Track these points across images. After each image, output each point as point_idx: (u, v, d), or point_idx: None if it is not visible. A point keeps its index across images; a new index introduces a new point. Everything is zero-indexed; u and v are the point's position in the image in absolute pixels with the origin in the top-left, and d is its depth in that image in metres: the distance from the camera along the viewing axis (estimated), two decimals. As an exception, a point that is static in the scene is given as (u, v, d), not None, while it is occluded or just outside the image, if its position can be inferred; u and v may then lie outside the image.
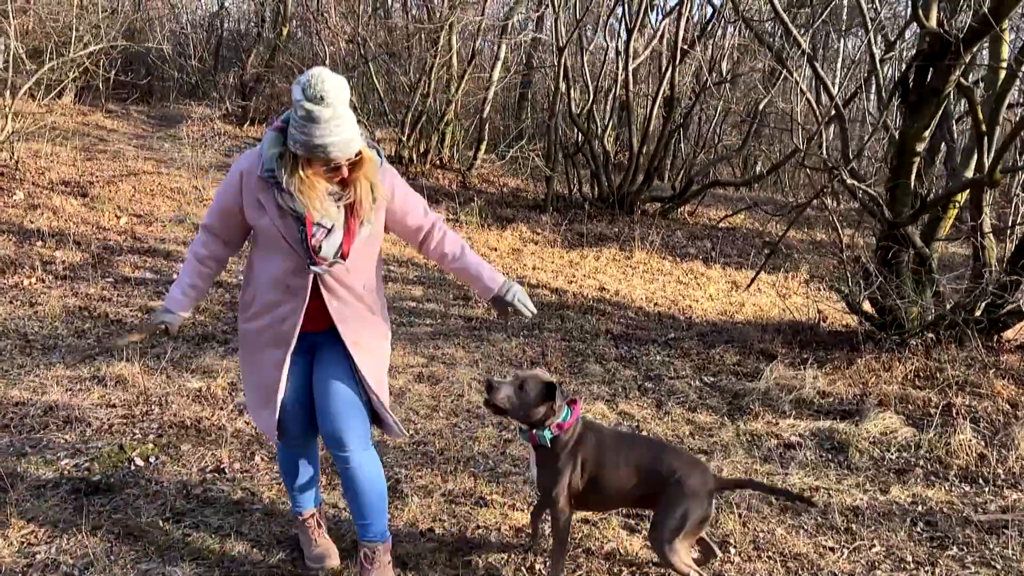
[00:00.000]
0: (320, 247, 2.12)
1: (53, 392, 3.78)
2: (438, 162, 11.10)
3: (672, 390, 4.36)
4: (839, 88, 7.03)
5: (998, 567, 2.62)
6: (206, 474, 3.03)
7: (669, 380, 4.53)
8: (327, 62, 11.14)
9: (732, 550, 2.67)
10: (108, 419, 3.50)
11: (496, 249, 7.89)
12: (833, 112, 5.46)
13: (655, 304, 6.47)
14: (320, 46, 12.01)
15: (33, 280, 5.52)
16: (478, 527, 2.77)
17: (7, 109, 7.94)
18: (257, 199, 2.10)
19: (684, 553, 2.24)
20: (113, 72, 10.82)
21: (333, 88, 1.93)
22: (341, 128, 1.96)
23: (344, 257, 2.14)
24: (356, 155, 2.06)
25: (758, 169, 10.69)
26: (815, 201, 5.63)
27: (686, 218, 10.34)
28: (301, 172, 2.03)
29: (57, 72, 9.31)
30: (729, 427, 3.77)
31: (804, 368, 4.54)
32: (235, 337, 4.78)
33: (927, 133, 4.62)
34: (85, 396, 3.75)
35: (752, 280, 6.43)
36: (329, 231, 2.11)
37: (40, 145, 9.03)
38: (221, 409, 3.67)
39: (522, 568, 2.52)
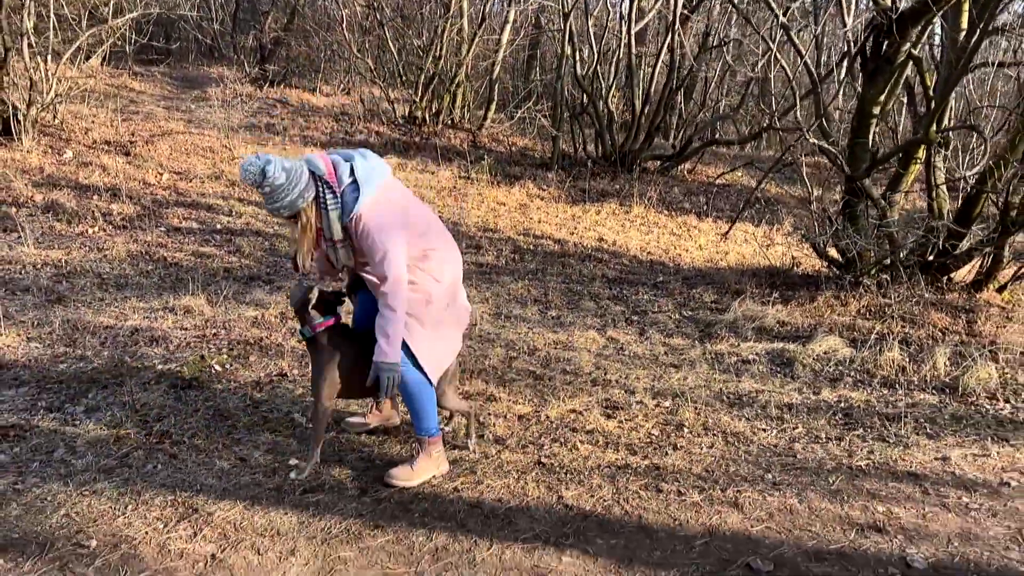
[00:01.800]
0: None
1: (133, 319, 4.55)
2: (449, 122, 11.72)
3: (654, 321, 5.09)
4: (835, 55, 7.58)
5: (891, 441, 3.37)
6: (272, 376, 3.81)
7: (652, 314, 5.26)
8: (344, 25, 11.71)
9: (686, 430, 3.43)
10: (185, 338, 4.28)
11: (504, 204, 8.58)
12: (807, 77, 6.08)
13: (648, 253, 7.17)
14: (336, 9, 12.55)
15: (96, 229, 6.28)
16: (490, 414, 3.54)
17: (52, 74, 8.62)
18: None
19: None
20: (144, 37, 11.43)
21: (256, 175, 2.56)
22: (272, 198, 2.61)
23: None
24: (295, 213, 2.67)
25: (757, 129, 11.23)
26: (795, 159, 6.26)
27: (685, 175, 10.96)
28: None
29: (96, 37, 9.95)
30: (698, 348, 4.51)
31: (770, 304, 5.25)
32: (277, 277, 5.55)
33: (883, 98, 5.25)
34: (162, 322, 4.52)
35: (729, 229, 7.12)
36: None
37: (79, 107, 9.75)
38: (276, 332, 4.44)
39: (524, 441, 3.28)
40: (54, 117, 9.05)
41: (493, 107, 11.84)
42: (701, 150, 10.74)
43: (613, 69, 10.90)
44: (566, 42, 9.97)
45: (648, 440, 3.33)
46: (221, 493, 2.79)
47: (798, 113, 5.64)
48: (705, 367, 4.22)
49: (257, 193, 2.68)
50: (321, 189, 2.65)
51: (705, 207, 9.33)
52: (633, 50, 10.19)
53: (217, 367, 3.87)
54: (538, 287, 5.86)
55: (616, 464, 3.11)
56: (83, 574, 2.33)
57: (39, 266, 5.36)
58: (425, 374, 2.81)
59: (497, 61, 11.66)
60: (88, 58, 10.37)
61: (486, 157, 10.31)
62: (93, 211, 6.59)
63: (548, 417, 3.52)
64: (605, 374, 4.06)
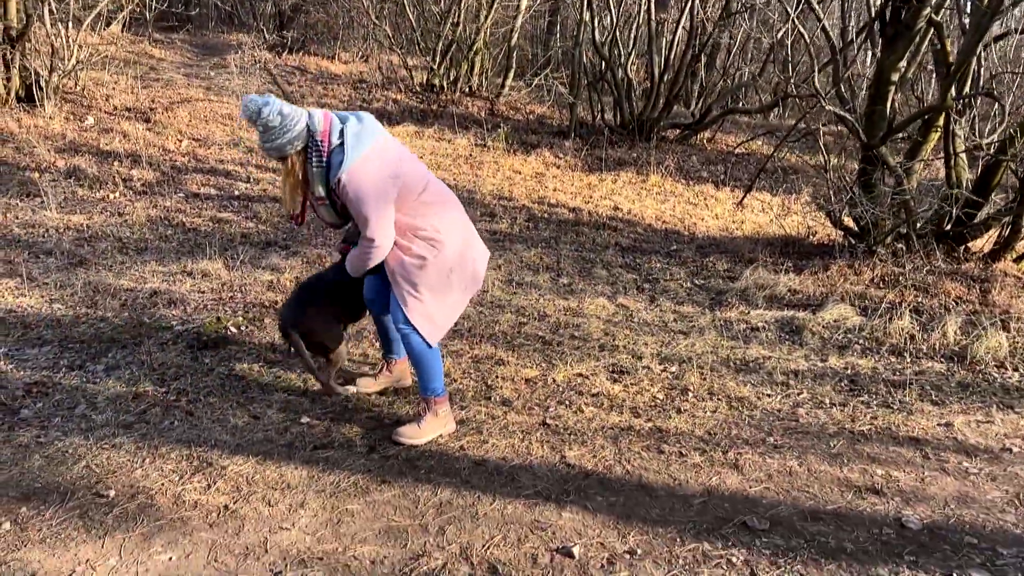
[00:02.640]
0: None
1: (153, 282, 4.66)
2: (467, 90, 11.67)
3: (665, 289, 5.11)
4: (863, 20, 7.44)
5: (895, 408, 3.39)
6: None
7: (664, 282, 5.27)
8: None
9: (690, 394, 3.47)
10: (202, 301, 4.38)
11: (520, 172, 8.57)
12: (828, 43, 5.98)
13: (663, 222, 7.15)
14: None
15: (117, 195, 6.38)
16: (497, 377, 3.60)
17: (73, 40, 8.70)
18: None
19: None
20: (163, 3, 11.46)
21: (253, 112, 2.62)
22: (264, 138, 2.68)
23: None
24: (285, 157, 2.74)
25: (778, 96, 11.06)
26: (812, 127, 6.20)
27: (704, 144, 10.86)
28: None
29: (115, 3, 9.99)
30: (707, 315, 4.53)
31: (783, 273, 5.24)
32: (293, 243, 5.63)
33: (902, 64, 5.16)
34: (180, 285, 4.62)
35: (743, 197, 7.09)
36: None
37: (100, 74, 9.84)
38: (290, 295, 4.53)
39: (530, 403, 3.34)
40: (76, 84, 9.16)
41: (511, 75, 11.76)
42: (721, 118, 10.63)
43: (633, 36, 10.77)
44: (585, 8, 9.85)
45: (652, 403, 3.38)
46: (235, 448, 2.89)
47: (816, 81, 5.57)
48: (713, 334, 4.24)
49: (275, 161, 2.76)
50: (311, 145, 2.70)
51: (723, 176, 9.25)
52: (653, 16, 10.05)
53: (233, 329, 3.96)
54: (551, 255, 5.89)
55: (619, 426, 3.16)
56: (102, 521, 2.44)
57: (62, 230, 5.48)
58: (424, 339, 2.87)
59: (515, 28, 11.56)
60: (108, 24, 10.43)
61: (503, 125, 10.28)
62: (114, 177, 6.70)
63: (555, 381, 3.57)
64: (613, 340, 4.10)
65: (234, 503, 2.56)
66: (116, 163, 7.04)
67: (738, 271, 5.52)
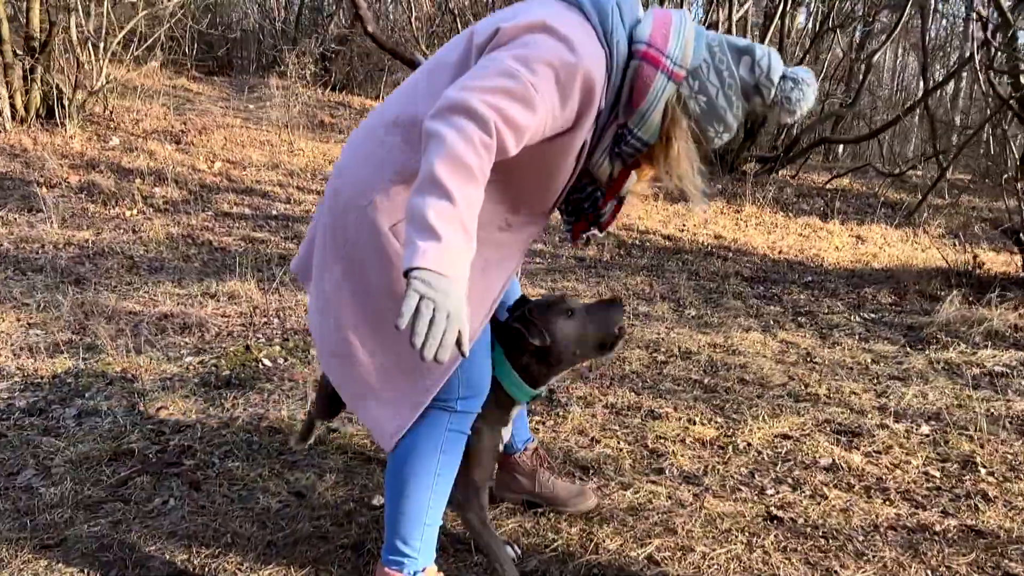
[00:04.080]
0: (602, 215, 1.59)
1: (165, 305, 3.54)
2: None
3: (831, 324, 3.87)
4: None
5: None
6: (341, 376, 2.71)
7: (824, 316, 4.03)
8: (412, 23, 10.89)
9: (982, 471, 2.20)
10: (227, 326, 3.24)
11: (596, 200, 7.48)
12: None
13: (779, 252, 5.94)
14: (401, 12, 11.75)
15: (135, 212, 5.36)
16: (659, 438, 2.37)
17: (104, 55, 7.89)
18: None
19: None
20: (204, 45, 10.80)
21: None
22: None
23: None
24: None
25: (876, 124, 9.94)
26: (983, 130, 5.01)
27: (788, 180, 9.70)
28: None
29: (145, 33, 9.26)
30: (917, 356, 3.27)
31: (979, 306, 3.99)
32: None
33: None
34: (200, 308, 3.50)
35: (921, 201, 5.96)
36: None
37: (132, 102, 9.02)
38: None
39: (729, 480, 2.10)
40: (105, 108, 8.32)
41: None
42: (811, 149, 9.48)
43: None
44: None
45: (931, 485, 2.12)
46: (265, 549, 1.69)
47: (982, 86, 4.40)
48: (942, 379, 2.98)
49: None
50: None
51: (826, 209, 8.05)
52: (734, 31, 9.05)
53: (266, 361, 2.80)
54: (662, 283, 4.69)
55: (903, 524, 1.90)
56: None
57: (60, 246, 4.44)
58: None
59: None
60: (146, 62, 9.72)
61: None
62: (133, 194, 5.70)
63: (749, 444, 2.33)
64: (805, 387, 2.86)
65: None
66: (137, 180, 6.06)
67: (910, 304, 4.27)
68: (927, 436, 2.42)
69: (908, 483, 2.11)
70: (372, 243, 1.37)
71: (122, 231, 4.91)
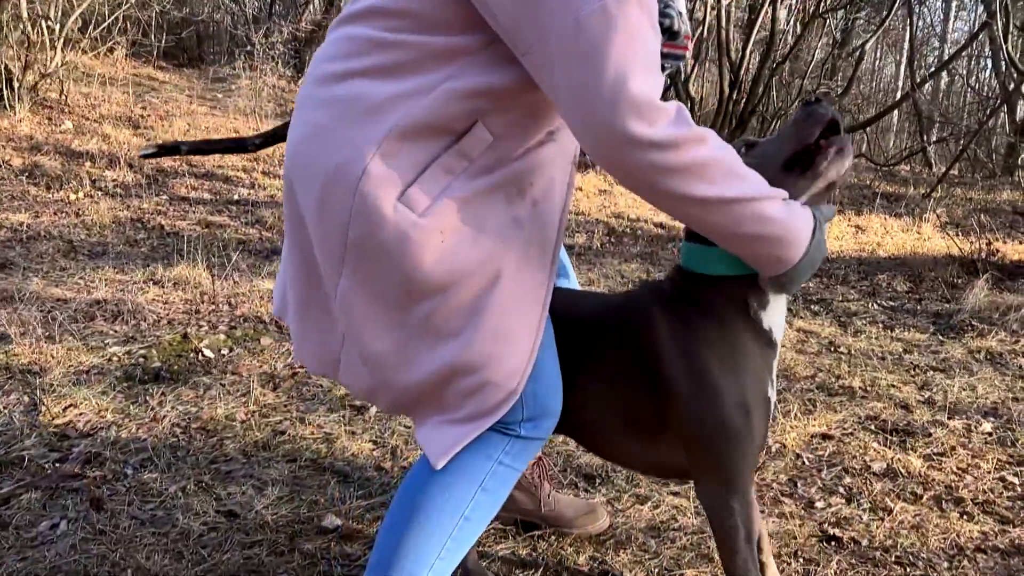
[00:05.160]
0: None
1: (101, 291, 3.09)
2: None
3: (848, 311, 3.51)
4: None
5: None
6: (296, 369, 2.29)
7: (839, 303, 3.67)
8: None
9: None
10: (167, 313, 2.80)
11: (582, 188, 7.10)
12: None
13: (778, 241, 5.60)
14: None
15: (81, 196, 4.89)
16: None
17: (57, 41, 7.36)
18: None
19: None
20: (173, 34, 10.31)
21: None
22: None
23: None
24: None
25: (861, 118, 9.67)
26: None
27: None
28: None
29: (106, 15, 8.73)
30: (952, 345, 2.91)
31: (1008, 292, 3.65)
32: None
33: None
34: (139, 295, 3.05)
35: (939, 180, 5.68)
36: None
37: (91, 88, 8.49)
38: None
39: (768, 490, 1.71)
40: (61, 93, 7.79)
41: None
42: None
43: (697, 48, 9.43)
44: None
45: (1012, 493, 1.74)
46: (176, 593, 1.27)
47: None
48: (988, 370, 2.61)
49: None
50: None
51: (820, 200, 7.75)
52: (723, 22, 8.73)
53: (208, 352, 2.37)
54: (658, 271, 4.32)
55: (992, 544, 1.52)
56: None
57: (-11, 229, 3.97)
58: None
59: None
60: (106, 31, 9.17)
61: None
62: (82, 177, 5.23)
63: (784, 446, 1.94)
64: (837, 379, 2.48)
65: None
66: (88, 164, 5.58)
67: (927, 291, 3.93)
68: (991, 435, 2.05)
69: (985, 492, 1.73)
70: (378, 228, 0.96)
71: (64, 215, 4.44)
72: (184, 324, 2.65)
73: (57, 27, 7.44)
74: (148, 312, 2.79)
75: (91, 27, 8.46)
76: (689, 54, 1.26)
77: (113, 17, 8.93)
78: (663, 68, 1.16)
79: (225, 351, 2.40)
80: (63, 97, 7.66)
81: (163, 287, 3.21)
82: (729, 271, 1.10)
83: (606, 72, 0.86)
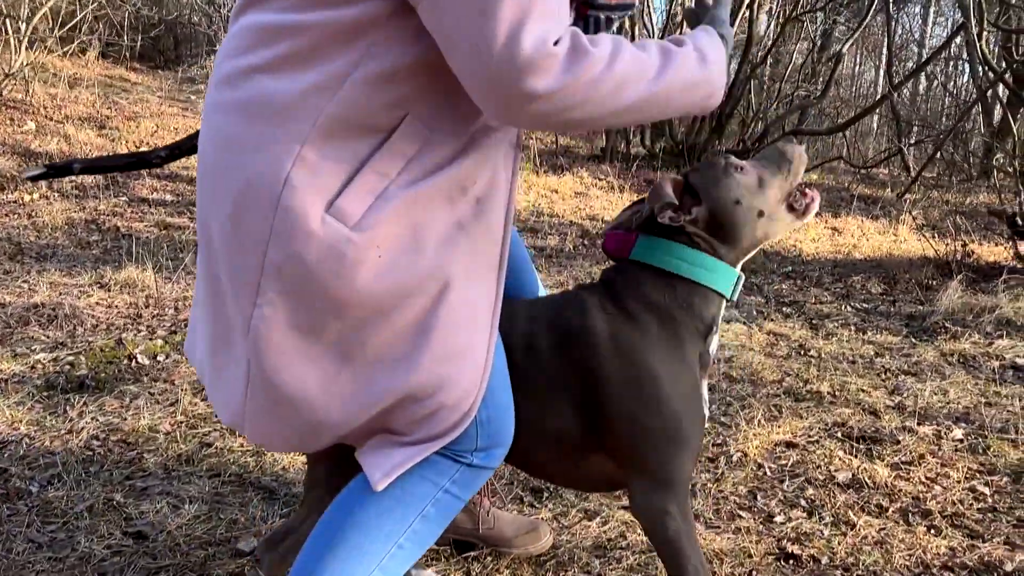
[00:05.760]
0: None
1: (42, 295, 2.94)
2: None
3: (820, 314, 3.42)
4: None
5: None
6: (235, 376, 2.16)
7: (812, 305, 3.59)
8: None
9: (1038, 484, 1.73)
10: (108, 318, 2.66)
11: (557, 191, 7.00)
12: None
13: (754, 243, 5.53)
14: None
15: (36, 197, 4.72)
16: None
17: (22, 39, 7.17)
18: None
19: None
20: (137, 39, 10.12)
21: None
22: None
23: None
24: None
25: (840, 121, 9.64)
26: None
27: (757, 175, 9.37)
28: None
29: (73, 14, 8.55)
30: (926, 348, 2.82)
31: (982, 294, 3.59)
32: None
33: None
34: (82, 299, 2.91)
35: (913, 181, 5.66)
36: None
37: (58, 89, 8.30)
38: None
39: (724, 504, 1.60)
40: (26, 93, 7.59)
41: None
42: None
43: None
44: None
45: (983, 505, 1.65)
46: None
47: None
48: (961, 374, 2.53)
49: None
50: None
51: (798, 202, 7.71)
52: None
53: (143, 359, 2.23)
54: (629, 274, 4.22)
55: (960, 561, 1.43)
56: None
57: (-68, 231, 3.80)
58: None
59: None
60: (83, 52, 8.99)
61: (524, 150, 8.77)
62: (37, 178, 5.05)
63: (745, 455, 1.84)
64: (804, 383, 2.38)
65: None
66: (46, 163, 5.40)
67: (900, 294, 3.86)
68: (961, 442, 1.96)
69: (954, 504, 1.63)
70: (304, 246, 0.85)
71: (15, 216, 4.27)
72: (122, 329, 2.51)
73: (23, 25, 7.26)
74: (87, 316, 2.65)
75: (57, 26, 8.27)
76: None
77: (82, 16, 8.75)
78: (611, 21, 1.06)
79: (161, 357, 2.26)
80: (28, 97, 7.47)
81: (109, 290, 3.06)
82: (688, 274, 1.09)
83: (498, 26, 0.76)
